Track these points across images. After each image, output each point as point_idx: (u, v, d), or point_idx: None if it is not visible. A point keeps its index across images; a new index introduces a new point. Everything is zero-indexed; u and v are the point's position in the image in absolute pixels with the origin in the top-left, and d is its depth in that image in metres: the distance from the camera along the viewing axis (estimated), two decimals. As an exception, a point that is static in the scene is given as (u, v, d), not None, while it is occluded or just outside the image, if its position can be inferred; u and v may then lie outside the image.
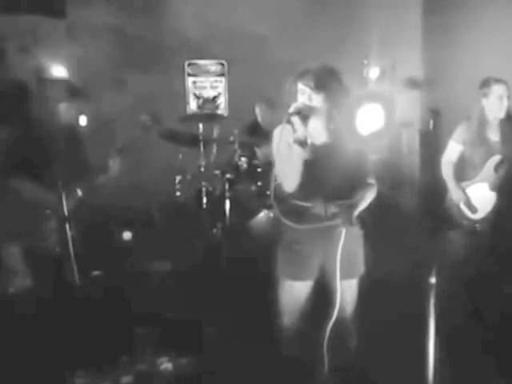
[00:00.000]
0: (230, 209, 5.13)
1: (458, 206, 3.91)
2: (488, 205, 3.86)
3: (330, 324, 2.70)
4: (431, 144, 6.03)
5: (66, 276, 3.77)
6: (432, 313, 2.17)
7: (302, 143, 2.52)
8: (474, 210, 3.89)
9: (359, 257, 2.88)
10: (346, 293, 2.80)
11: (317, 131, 2.68)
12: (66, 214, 3.70)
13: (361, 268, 2.89)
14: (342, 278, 2.72)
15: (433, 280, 2.18)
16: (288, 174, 2.61)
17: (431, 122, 6.18)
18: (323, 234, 2.69)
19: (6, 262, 3.70)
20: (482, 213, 3.87)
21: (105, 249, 4.70)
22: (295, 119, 2.51)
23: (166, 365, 3.18)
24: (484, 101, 3.78)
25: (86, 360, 3.15)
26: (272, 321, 2.93)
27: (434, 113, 6.22)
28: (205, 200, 5.27)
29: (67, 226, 3.76)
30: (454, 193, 3.92)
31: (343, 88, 2.66)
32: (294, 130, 2.51)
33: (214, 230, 5.21)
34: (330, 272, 2.74)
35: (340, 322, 2.76)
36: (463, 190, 3.90)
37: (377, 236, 4.68)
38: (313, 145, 2.63)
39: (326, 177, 2.61)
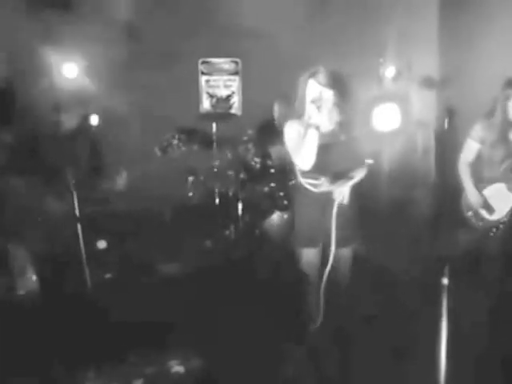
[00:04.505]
0: (243, 210, 5.11)
1: (474, 207, 3.85)
2: (506, 206, 3.79)
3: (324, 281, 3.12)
4: (447, 143, 5.99)
5: (76, 278, 3.79)
6: (444, 314, 2.14)
7: (317, 127, 2.93)
8: (491, 210, 3.82)
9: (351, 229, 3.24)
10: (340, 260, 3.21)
11: (325, 121, 3.06)
12: (78, 215, 3.72)
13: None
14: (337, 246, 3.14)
15: (445, 281, 2.16)
16: (305, 154, 3.00)
17: (447, 122, 6.15)
18: (324, 205, 3.10)
19: (14, 264, 3.73)
20: (500, 214, 3.80)
21: (115, 250, 4.72)
22: (312, 107, 2.95)
23: (177, 368, 3.17)
24: (509, 103, 3.64)
25: (97, 362, 3.15)
26: (285, 321, 2.90)
27: (450, 112, 6.18)
28: (217, 201, 5.25)
29: (79, 227, 3.77)
30: (470, 193, 3.85)
31: (348, 88, 3.06)
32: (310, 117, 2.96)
33: (227, 232, 5.18)
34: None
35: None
36: (480, 191, 3.83)
37: (390, 236, 4.69)
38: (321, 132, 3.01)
39: (331, 159, 3.05)
